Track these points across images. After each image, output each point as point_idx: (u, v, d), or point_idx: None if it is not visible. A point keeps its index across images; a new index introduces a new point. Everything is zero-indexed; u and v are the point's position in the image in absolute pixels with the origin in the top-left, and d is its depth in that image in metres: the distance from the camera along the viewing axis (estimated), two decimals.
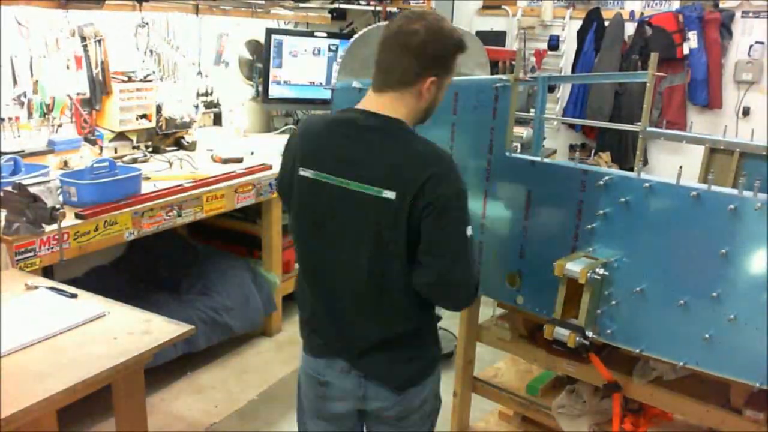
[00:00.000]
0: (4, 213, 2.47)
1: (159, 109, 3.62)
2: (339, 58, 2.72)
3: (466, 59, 3.01)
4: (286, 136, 4.44)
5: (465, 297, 1.71)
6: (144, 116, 3.51)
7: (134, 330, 1.96)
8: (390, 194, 1.58)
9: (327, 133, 1.71)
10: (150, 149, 3.65)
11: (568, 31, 5.81)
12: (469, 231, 1.62)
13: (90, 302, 2.12)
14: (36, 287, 2.19)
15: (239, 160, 3.64)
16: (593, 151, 5.24)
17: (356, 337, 1.74)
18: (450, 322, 4.05)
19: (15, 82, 3.04)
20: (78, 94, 3.30)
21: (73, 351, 1.82)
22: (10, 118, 3.03)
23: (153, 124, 3.58)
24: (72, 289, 2.19)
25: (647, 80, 1.93)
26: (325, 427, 1.88)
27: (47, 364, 1.75)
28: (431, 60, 1.63)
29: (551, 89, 2.12)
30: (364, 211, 1.62)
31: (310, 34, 4.55)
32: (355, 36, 2.70)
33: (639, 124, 1.98)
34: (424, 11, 1.71)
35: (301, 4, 4.43)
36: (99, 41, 3.27)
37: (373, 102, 1.68)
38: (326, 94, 4.53)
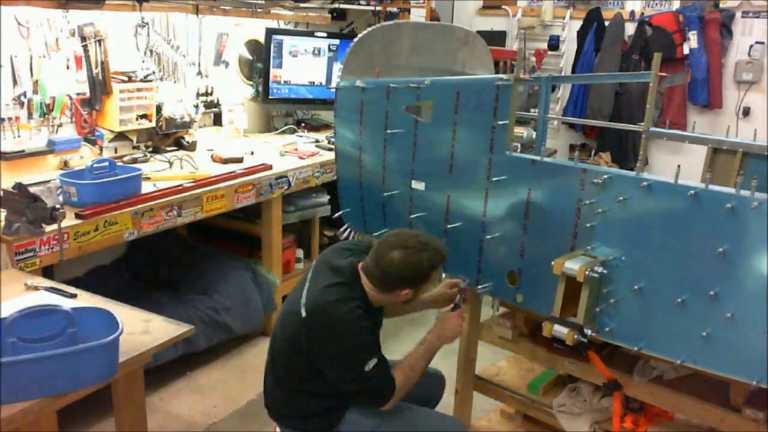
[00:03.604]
0: (4, 213, 2.47)
1: (159, 109, 3.62)
2: (343, 57, 2.74)
3: (470, 59, 3.03)
4: (286, 136, 4.48)
5: None
6: (144, 116, 3.51)
7: (134, 330, 1.96)
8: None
9: None
10: (150, 149, 3.65)
11: (568, 31, 5.81)
12: None
13: (89, 302, 2.11)
14: (36, 287, 2.19)
15: (239, 160, 3.64)
16: (593, 151, 5.24)
17: None
18: None
19: (15, 82, 3.04)
20: (78, 94, 3.30)
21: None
22: (10, 118, 3.03)
23: (153, 124, 3.58)
24: (71, 289, 2.19)
25: (650, 80, 1.93)
26: None
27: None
28: (403, 282, 2.06)
29: (551, 89, 2.13)
30: None
31: (310, 34, 4.56)
32: (359, 36, 2.71)
33: (642, 124, 1.98)
34: (416, 234, 2.10)
35: (301, 4, 4.43)
36: (99, 41, 3.27)
37: (364, 279, 2.12)
38: (326, 94, 4.55)
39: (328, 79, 4.59)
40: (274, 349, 2.21)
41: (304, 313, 2.06)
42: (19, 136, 3.08)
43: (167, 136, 3.75)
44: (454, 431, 2.21)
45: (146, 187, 3.05)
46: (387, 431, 2.13)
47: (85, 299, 2.15)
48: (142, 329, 1.97)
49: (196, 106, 4.00)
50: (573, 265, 1.90)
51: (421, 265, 2.05)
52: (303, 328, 2.05)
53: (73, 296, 2.14)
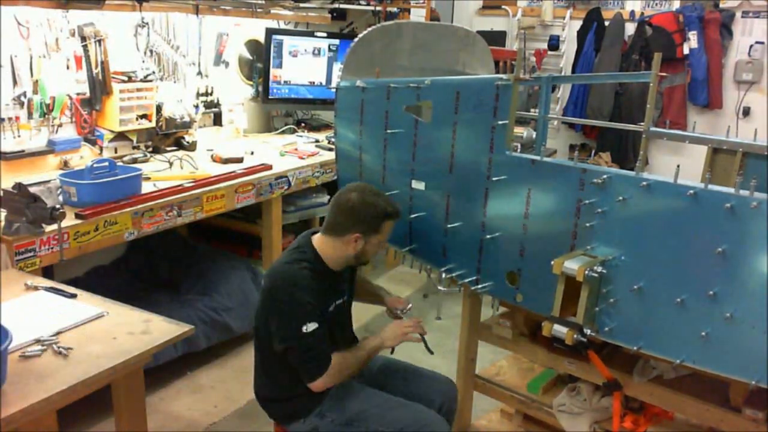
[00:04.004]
0: (4, 213, 2.47)
1: (159, 109, 3.63)
2: (343, 57, 2.74)
3: (471, 59, 3.03)
4: (286, 136, 4.48)
5: None
6: (144, 116, 3.51)
7: (134, 330, 1.96)
8: None
9: None
10: (150, 149, 3.65)
11: (568, 31, 5.82)
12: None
13: (89, 302, 2.12)
14: (36, 287, 2.19)
15: (239, 160, 3.65)
16: (593, 151, 5.24)
17: None
18: (451, 321, 4.06)
19: (15, 82, 3.04)
20: (78, 94, 3.30)
21: (73, 351, 1.82)
22: (10, 118, 3.03)
23: (153, 124, 3.58)
24: (71, 289, 2.19)
25: (650, 80, 1.93)
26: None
27: (46, 364, 1.75)
28: (359, 224, 2.16)
29: (552, 89, 2.14)
30: None
31: (310, 34, 4.56)
32: (359, 36, 2.71)
33: (642, 124, 1.98)
34: (373, 188, 2.26)
35: (301, 4, 4.43)
36: (99, 41, 3.27)
37: (317, 239, 2.24)
38: (326, 94, 4.55)
39: (328, 79, 4.59)
40: (256, 331, 2.29)
41: (262, 282, 2.24)
42: (19, 136, 3.08)
43: (167, 136, 3.75)
44: (434, 420, 2.19)
45: (146, 187, 3.05)
46: (368, 415, 2.17)
47: (85, 299, 2.15)
48: (142, 329, 1.97)
49: (196, 106, 4.00)
50: (572, 265, 1.90)
51: (377, 208, 2.17)
52: (261, 294, 2.22)
53: (73, 296, 2.14)
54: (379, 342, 2.26)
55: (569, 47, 5.80)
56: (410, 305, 2.48)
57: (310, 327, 2.08)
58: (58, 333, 1.90)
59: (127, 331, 1.95)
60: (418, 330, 2.30)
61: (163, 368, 3.11)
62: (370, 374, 2.37)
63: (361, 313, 4.23)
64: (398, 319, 2.41)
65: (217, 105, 4.19)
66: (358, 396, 2.22)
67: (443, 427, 2.21)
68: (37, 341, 1.85)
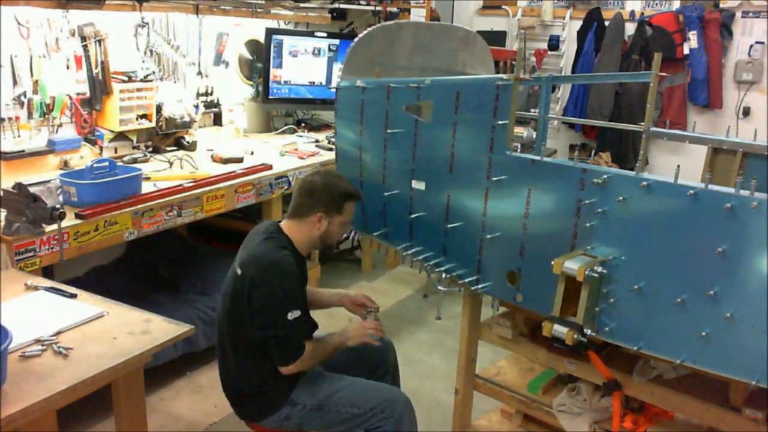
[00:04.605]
0: (4, 213, 2.47)
1: (159, 109, 3.63)
2: (343, 57, 2.74)
3: (471, 59, 3.03)
4: (286, 136, 4.48)
5: None
6: (144, 116, 3.52)
7: (134, 330, 1.96)
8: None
9: None
10: (150, 149, 3.66)
11: (569, 31, 5.82)
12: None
13: (89, 302, 2.12)
14: (36, 287, 2.19)
15: (239, 160, 3.65)
16: (593, 151, 5.24)
17: None
18: (451, 321, 4.06)
19: (15, 82, 3.04)
20: (78, 94, 3.30)
21: (73, 351, 1.82)
22: (10, 118, 3.03)
23: (153, 124, 3.58)
24: (71, 289, 2.19)
25: (650, 80, 1.93)
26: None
27: (46, 364, 1.75)
28: (321, 203, 2.26)
29: (552, 89, 2.14)
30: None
31: (310, 34, 4.56)
32: (360, 36, 2.71)
33: (642, 124, 1.98)
34: (328, 170, 2.40)
35: (301, 4, 4.43)
36: (99, 41, 3.28)
37: (284, 225, 2.32)
38: (326, 94, 4.55)
39: (328, 79, 4.59)
40: (221, 324, 2.34)
41: (239, 271, 2.22)
42: (19, 136, 3.08)
43: (167, 136, 3.75)
44: (399, 397, 2.29)
45: (146, 187, 3.06)
46: (338, 399, 2.25)
47: (85, 299, 2.15)
48: (142, 329, 1.97)
49: (196, 106, 4.00)
50: (572, 265, 1.90)
51: (339, 188, 2.28)
52: (240, 283, 2.20)
53: (73, 296, 2.14)
54: (342, 340, 2.35)
55: (569, 47, 5.80)
56: (377, 307, 2.54)
57: (295, 313, 2.16)
58: (58, 333, 1.90)
59: (128, 331, 1.95)
60: (378, 333, 2.38)
61: (163, 368, 3.11)
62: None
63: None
64: (363, 319, 2.48)
65: (217, 105, 4.19)
66: (326, 381, 2.30)
67: (408, 403, 2.30)
68: (38, 341, 1.85)
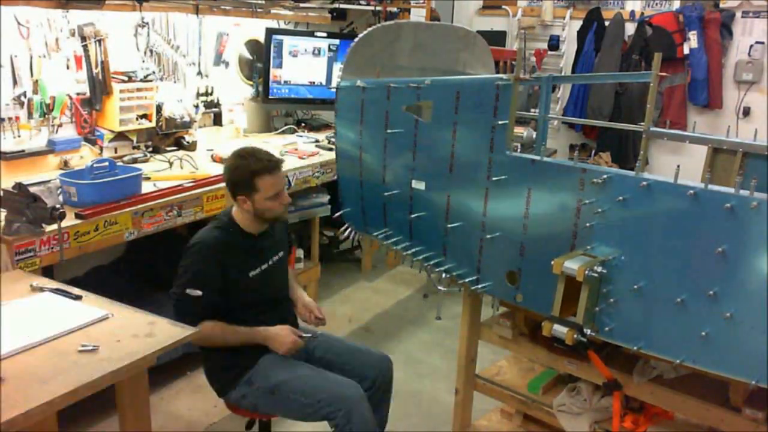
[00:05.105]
0: (4, 213, 2.47)
1: (159, 109, 3.63)
2: (343, 57, 2.74)
3: (471, 59, 3.03)
4: (286, 136, 4.48)
5: None
6: (144, 116, 3.51)
7: (138, 332, 1.96)
8: None
9: None
10: (150, 149, 3.66)
11: (569, 31, 5.82)
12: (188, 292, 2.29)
13: (94, 304, 2.11)
14: (41, 288, 2.19)
15: None
16: (593, 151, 5.24)
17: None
18: (451, 321, 4.06)
19: (15, 82, 3.04)
20: (78, 94, 3.30)
21: (76, 353, 1.82)
22: (10, 118, 3.03)
23: (153, 124, 3.58)
24: (76, 291, 2.18)
25: (650, 80, 1.93)
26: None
27: (50, 366, 1.75)
28: (235, 187, 2.33)
29: (552, 89, 2.15)
30: None
31: (310, 34, 4.56)
32: (360, 35, 2.71)
33: (642, 123, 1.98)
34: (254, 149, 2.39)
35: (301, 4, 4.43)
36: (99, 41, 3.27)
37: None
38: (326, 94, 4.55)
39: (328, 79, 4.59)
40: None
41: None
42: (19, 136, 3.08)
43: (167, 136, 3.75)
44: (350, 393, 2.28)
45: (146, 187, 3.06)
46: (291, 386, 2.29)
47: (91, 301, 2.14)
48: (146, 332, 1.96)
49: (196, 106, 4.00)
50: (572, 265, 1.90)
51: (242, 169, 2.30)
52: None
53: (78, 298, 2.14)
54: (262, 338, 2.36)
55: (569, 47, 5.81)
56: (318, 333, 2.57)
57: (195, 292, 2.27)
58: (62, 335, 1.90)
59: (132, 333, 1.95)
60: (292, 353, 2.37)
61: (163, 368, 3.10)
62: (309, 350, 2.50)
63: (361, 314, 4.23)
64: (297, 330, 2.45)
65: (217, 105, 4.19)
66: (284, 367, 2.34)
67: (360, 400, 2.28)
68: (42, 343, 1.84)
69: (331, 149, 3.97)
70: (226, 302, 2.35)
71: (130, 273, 3.69)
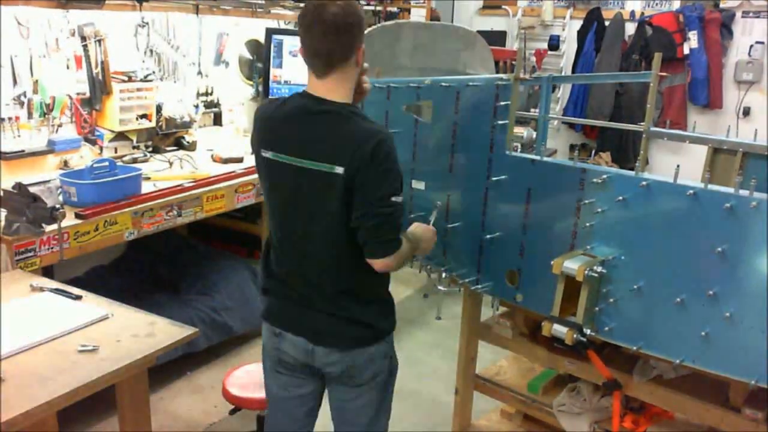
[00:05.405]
0: (4, 213, 2.47)
1: (159, 109, 3.63)
2: None
3: (472, 59, 3.03)
4: None
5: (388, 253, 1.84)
6: (144, 116, 3.52)
7: (138, 333, 1.95)
8: (339, 169, 1.76)
9: (283, 118, 1.87)
10: (150, 149, 3.66)
11: (569, 31, 5.81)
12: (399, 199, 1.82)
13: (94, 304, 2.11)
14: (41, 288, 2.19)
15: (239, 160, 3.65)
16: (593, 151, 5.24)
17: (317, 294, 1.91)
18: (451, 321, 4.06)
19: (15, 82, 3.04)
20: (78, 94, 3.30)
21: (76, 353, 1.81)
22: (10, 118, 3.03)
23: (153, 124, 3.58)
24: (76, 291, 2.18)
25: (650, 80, 1.93)
26: (282, 378, 2.05)
27: (49, 366, 1.75)
28: (357, 31, 1.79)
29: (552, 89, 2.16)
30: (317, 186, 1.81)
31: None
32: None
33: (642, 123, 1.98)
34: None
35: (301, 4, 4.43)
36: (99, 41, 3.28)
37: (319, 87, 1.81)
38: None
39: None
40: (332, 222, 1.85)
41: (357, 145, 1.78)
42: (19, 136, 3.08)
43: (167, 136, 3.75)
44: None
45: (146, 187, 3.06)
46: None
47: (91, 301, 2.14)
48: (146, 332, 1.96)
49: (196, 106, 4.00)
50: (572, 265, 1.90)
51: (359, 8, 1.81)
52: (355, 164, 1.77)
53: (78, 298, 2.14)
54: (419, 242, 2.03)
55: (569, 47, 5.80)
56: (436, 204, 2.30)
57: (400, 198, 1.82)
58: (62, 335, 1.90)
59: (132, 333, 1.95)
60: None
61: (163, 368, 3.11)
62: None
63: None
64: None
65: (217, 105, 4.19)
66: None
67: None
68: (41, 343, 1.84)
69: None
70: None
71: (130, 273, 3.70)
